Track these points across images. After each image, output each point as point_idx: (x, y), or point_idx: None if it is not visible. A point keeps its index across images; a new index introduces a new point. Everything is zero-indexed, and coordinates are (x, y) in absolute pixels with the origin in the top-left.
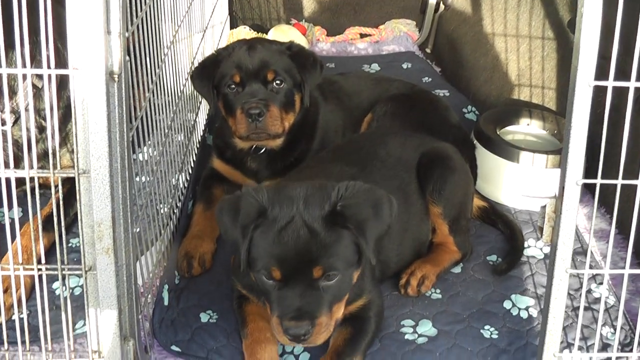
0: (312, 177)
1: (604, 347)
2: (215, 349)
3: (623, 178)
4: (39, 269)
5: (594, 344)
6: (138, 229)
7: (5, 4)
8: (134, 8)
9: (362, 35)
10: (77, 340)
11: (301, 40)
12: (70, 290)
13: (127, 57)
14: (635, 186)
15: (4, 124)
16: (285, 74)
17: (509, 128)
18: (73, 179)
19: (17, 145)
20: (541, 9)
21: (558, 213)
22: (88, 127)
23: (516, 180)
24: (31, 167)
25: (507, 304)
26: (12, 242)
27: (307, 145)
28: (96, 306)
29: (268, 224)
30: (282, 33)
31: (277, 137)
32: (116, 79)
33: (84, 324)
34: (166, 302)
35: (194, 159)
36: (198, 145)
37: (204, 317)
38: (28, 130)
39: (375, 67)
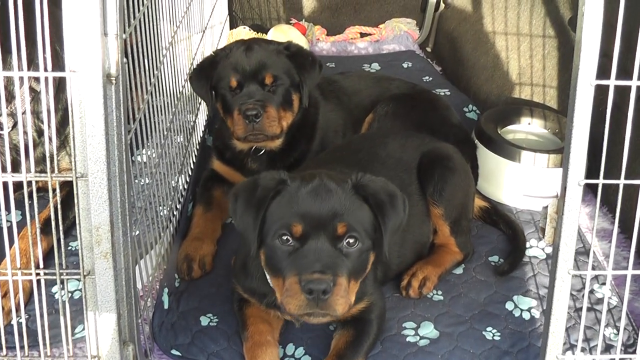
0: None
1: (607, 348)
2: (215, 353)
3: (625, 177)
4: (37, 274)
5: (596, 345)
6: (137, 232)
7: (2, 8)
8: (131, 9)
9: (362, 35)
10: (77, 344)
11: (301, 40)
12: (70, 294)
13: (125, 59)
14: (638, 185)
15: (1, 128)
16: (282, 75)
17: (510, 127)
18: (72, 182)
19: (17, 149)
20: (542, 7)
21: (560, 214)
22: (85, 130)
23: (518, 180)
24: (29, 171)
25: (509, 305)
26: (11, 246)
27: (307, 145)
28: (95, 310)
29: (289, 190)
30: (282, 33)
31: (275, 138)
32: (113, 81)
33: (84, 329)
34: (166, 306)
35: (194, 160)
36: (198, 147)
37: (204, 321)
38: (26, 134)
39: (375, 66)
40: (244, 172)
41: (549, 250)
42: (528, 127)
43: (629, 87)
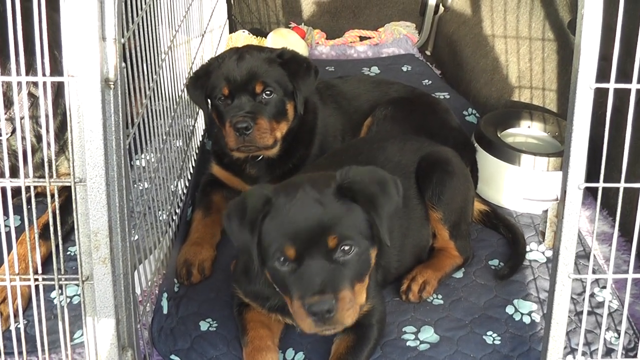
0: None
1: (608, 352)
2: (215, 358)
3: (625, 180)
4: (36, 279)
5: (597, 349)
6: (136, 237)
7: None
8: (130, 13)
9: (362, 38)
10: (75, 350)
11: (300, 44)
12: (69, 299)
13: (124, 63)
14: (638, 189)
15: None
16: (274, 84)
17: (510, 130)
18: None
19: (16, 155)
20: (541, 10)
21: (560, 217)
22: (84, 135)
23: (517, 183)
24: (27, 176)
25: (509, 309)
26: (9, 251)
27: (306, 150)
28: (94, 316)
29: (276, 208)
30: (281, 37)
31: (267, 148)
32: (112, 86)
33: (83, 334)
34: (165, 311)
35: (193, 164)
36: (197, 151)
37: (203, 326)
38: (24, 139)
39: (375, 70)
40: (242, 177)
41: (549, 253)
42: (528, 131)
43: (629, 90)
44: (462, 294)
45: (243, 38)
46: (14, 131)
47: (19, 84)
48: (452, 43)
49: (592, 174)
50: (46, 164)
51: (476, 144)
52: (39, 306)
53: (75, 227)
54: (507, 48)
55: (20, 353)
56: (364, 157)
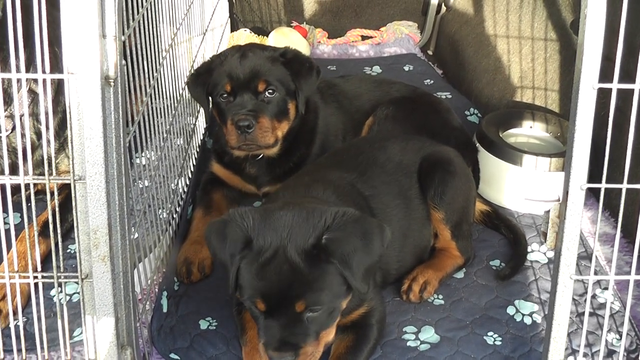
0: (310, 184)
1: (610, 353)
2: (214, 357)
3: (628, 181)
4: (35, 277)
5: (599, 350)
6: (136, 235)
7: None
8: (130, 10)
9: (364, 38)
10: (75, 348)
11: (302, 43)
12: (68, 297)
13: (124, 61)
14: None
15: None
16: (277, 83)
17: (512, 131)
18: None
19: (16, 152)
20: (543, 10)
21: (562, 218)
22: (83, 132)
23: (519, 184)
24: (27, 173)
25: (510, 310)
26: (9, 249)
27: (307, 150)
28: (93, 314)
29: (253, 256)
30: (283, 35)
31: (268, 147)
32: (112, 84)
33: (82, 332)
34: (165, 309)
35: (194, 163)
36: (198, 149)
37: (203, 324)
38: (24, 136)
39: (376, 69)
40: (243, 176)
41: (551, 254)
42: (530, 131)
43: (632, 91)
44: (463, 295)
45: (245, 37)
46: (13, 128)
47: (19, 81)
48: (454, 43)
49: (594, 175)
50: (46, 162)
51: (478, 144)
52: (38, 304)
53: (75, 224)
54: (509, 48)
55: (19, 351)
56: (365, 157)
